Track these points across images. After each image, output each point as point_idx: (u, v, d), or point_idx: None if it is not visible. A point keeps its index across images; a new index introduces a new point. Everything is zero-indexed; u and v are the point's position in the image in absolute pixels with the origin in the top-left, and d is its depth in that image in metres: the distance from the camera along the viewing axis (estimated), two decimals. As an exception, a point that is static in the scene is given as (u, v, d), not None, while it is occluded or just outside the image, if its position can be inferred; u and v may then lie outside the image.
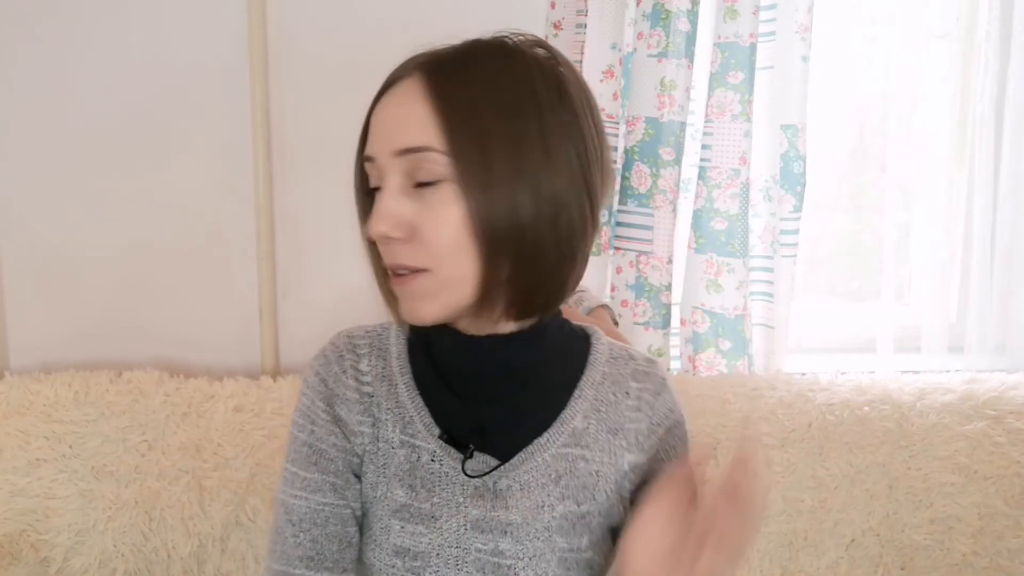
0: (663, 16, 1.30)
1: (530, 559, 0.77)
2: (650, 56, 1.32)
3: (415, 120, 0.72)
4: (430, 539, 0.77)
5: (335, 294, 1.43)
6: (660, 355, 1.39)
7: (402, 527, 0.78)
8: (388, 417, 0.80)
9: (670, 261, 1.38)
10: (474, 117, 0.71)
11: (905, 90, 1.52)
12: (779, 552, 1.28)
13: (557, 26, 1.35)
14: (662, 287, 1.38)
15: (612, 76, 1.34)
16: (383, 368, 0.82)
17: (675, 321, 1.44)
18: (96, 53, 1.34)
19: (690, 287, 1.40)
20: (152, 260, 1.40)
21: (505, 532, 0.77)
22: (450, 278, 0.73)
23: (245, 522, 1.24)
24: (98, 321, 1.40)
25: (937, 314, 1.56)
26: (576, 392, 0.80)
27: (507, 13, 1.38)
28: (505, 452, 0.78)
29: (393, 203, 0.73)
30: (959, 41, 1.52)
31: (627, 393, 0.82)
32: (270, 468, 1.26)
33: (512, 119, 0.71)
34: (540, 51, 0.78)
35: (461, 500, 0.78)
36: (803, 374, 1.39)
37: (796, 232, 1.40)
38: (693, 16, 1.31)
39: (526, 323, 0.78)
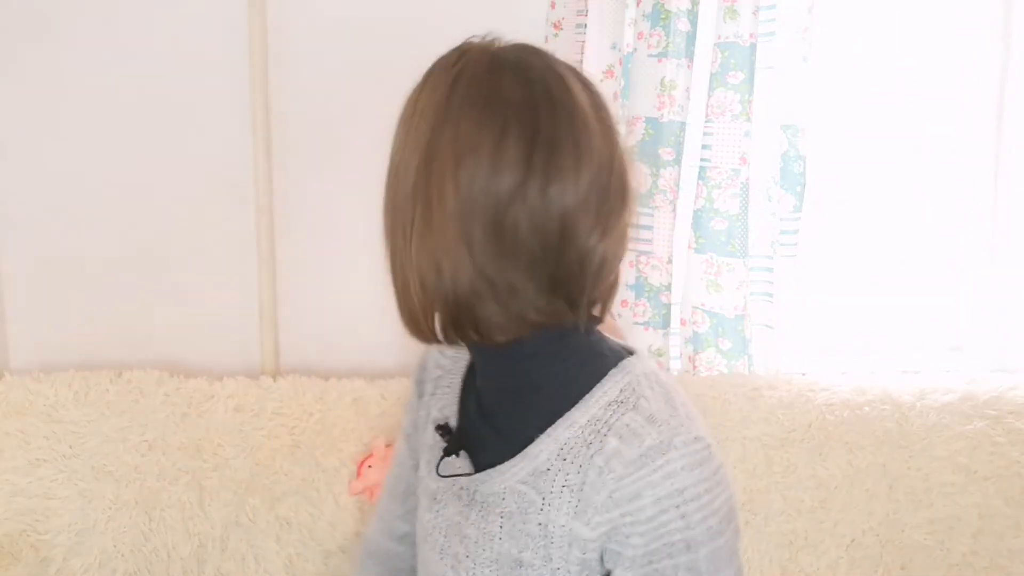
0: (663, 16, 1.30)
1: None
2: (650, 56, 1.32)
3: None
4: (431, 519, 0.81)
5: (335, 294, 1.43)
6: (660, 355, 1.39)
7: (421, 496, 0.85)
8: (438, 396, 0.86)
9: (670, 261, 1.38)
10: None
11: (905, 90, 1.52)
12: (779, 552, 1.28)
13: (557, 26, 1.35)
14: (662, 287, 1.38)
15: (612, 76, 1.34)
16: (461, 358, 0.86)
17: (675, 321, 1.43)
18: (96, 53, 1.34)
19: (690, 287, 1.40)
20: (152, 260, 1.40)
21: (462, 542, 0.77)
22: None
23: (245, 522, 1.24)
24: (98, 321, 1.40)
25: (937, 314, 1.56)
26: (550, 430, 0.73)
27: (507, 13, 1.38)
28: (478, 464, 0.77)
29: None
30: (959, 41, 1.52)
31: (601, 449, 0.69)
32: (270, 468, 1.26)
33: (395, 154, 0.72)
34: (455, 71, 0.70)
35: (451, 495, 0.80)
36: (803, 374, 1.39)
37: (796, 232, 1.40)
38: (693, 16, 1.31)
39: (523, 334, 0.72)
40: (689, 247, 1.39)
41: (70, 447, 1.24)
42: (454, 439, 0.80)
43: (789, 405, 1.31)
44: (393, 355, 1.42)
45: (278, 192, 1.39)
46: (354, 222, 1.35)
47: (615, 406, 0.71)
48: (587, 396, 0.72)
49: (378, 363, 1.39)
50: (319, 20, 1.37)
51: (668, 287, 1.39)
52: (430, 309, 0.70)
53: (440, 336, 0.72)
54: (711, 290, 1.38)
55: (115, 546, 1.22)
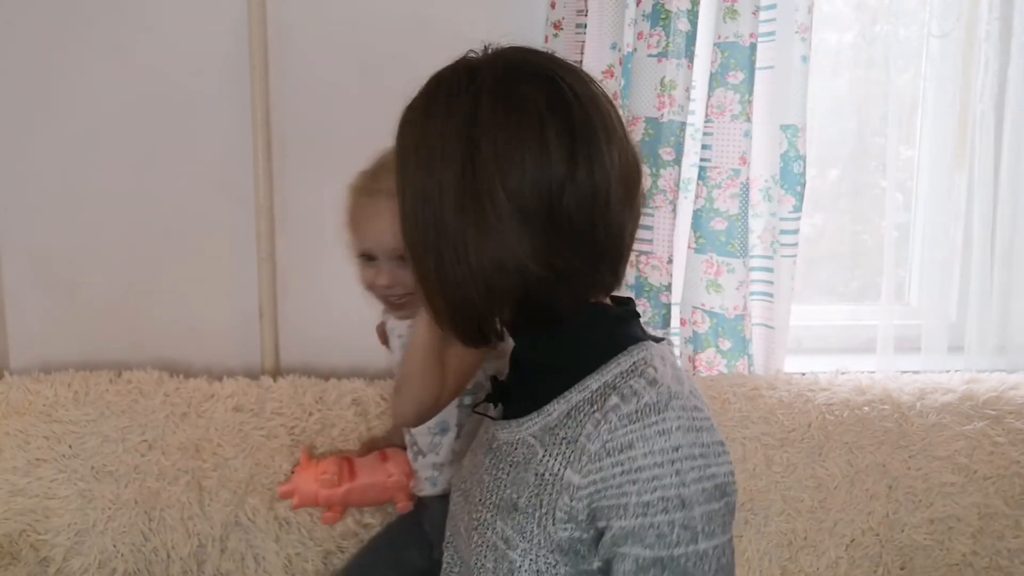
0: (663, 16, 1.30)
1: (479, 524, 0.81)
2: (650, 56, 1.32)
3: None
4: (467, 464, 0.91)
5: (335, 294, 1.43)
6: (660, 355, 1.39)
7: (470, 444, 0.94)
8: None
9: (670, 261, 1.38)
10: (400, 162, 0.79)
11: (905, 90, 1.52)
12: (779, 552, 1.28)
13: (557, 26, 1.35)
14: (662, 287, 1.38)
15: (612, 76, 1.34)
16: None
17: (675, 321, 1.43)
18: (96, 53, 1.34)
19: (690, 287, 1.40)
20: (152, 260, 1.40)
21: (479, 485, 0.84)
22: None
23: (245, 522, 1.24)
24: (98, 321, 1.40)
25: (937, 314, 1.55)
26: (566, 393, 0.79)
27: (507, 13, 1.38)
28: (505, 414, 0.86)
29: None
30: (959, 41, 1.52)
31: (603, 404, 0.75)
32: (270, 468, 1.26)
33: (409, 165, 0.77)
34: (470, 78, 0.75)
35: (483, 441, 0.89)
36: (803, 374, 1.39)
37: (796, 232, 1.40)
38: (693, 16, 1.31)
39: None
40: (689, 247, 1.39)
41: (70, 447, 1.24)
42: (500, 390, 0.88)
43: (789, 405, 1.31)
44: (393, 355, 1.42)
45: (278, 192, 1.39)
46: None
47: (626, 375, 0.76)
48: (603, 367, 0.78)
49: (378, 363, 1.39)
50: (319, 20, 1.37)
51: (668, 287, 1.39)
52: (497, 311, 0.79)
53: (505, 334, 0.81)
54: (711, 290, 1.38)
55: (115, 546, 1.22)
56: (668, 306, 1.39)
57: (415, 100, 0.79)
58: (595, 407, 0.75)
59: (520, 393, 0.85)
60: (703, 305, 1.39)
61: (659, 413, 0.71)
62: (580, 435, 0.74)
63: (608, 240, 0.77)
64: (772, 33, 1.36)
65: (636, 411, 0.72)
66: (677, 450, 0.70)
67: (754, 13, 1.30)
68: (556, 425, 0.78)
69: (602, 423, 0.73)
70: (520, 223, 0.72)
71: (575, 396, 0.78)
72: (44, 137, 1.35)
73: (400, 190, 0.78)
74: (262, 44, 1.33)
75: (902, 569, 1.29)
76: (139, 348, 1.40)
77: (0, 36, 1.32)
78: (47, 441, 1.23)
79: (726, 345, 1.39)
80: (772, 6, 1.35)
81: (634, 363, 0.77)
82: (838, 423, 1.30)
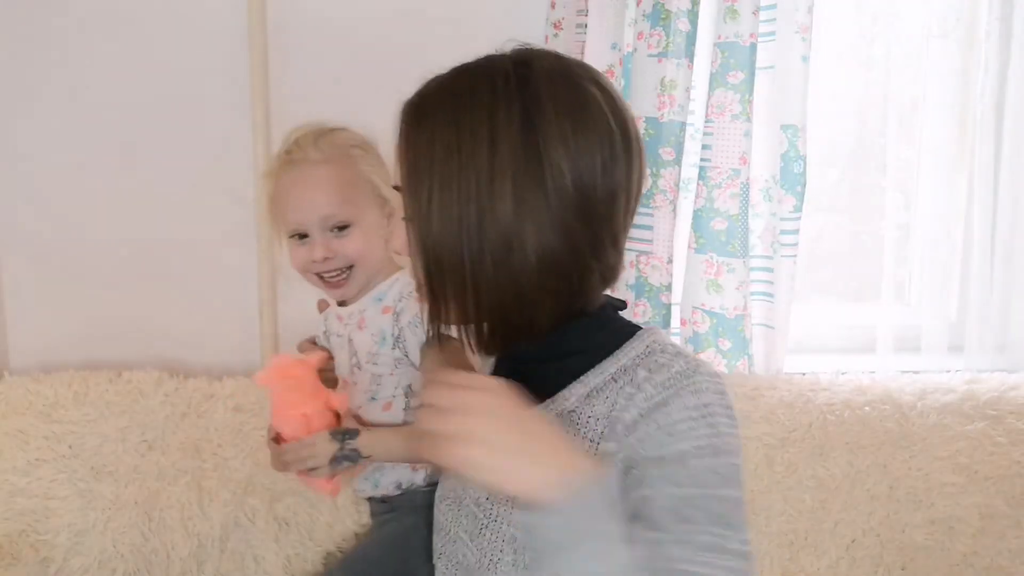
0: (663, 16, 1.30)
1: (491, 522, 0.81)
2: (650, 56, 1.32)
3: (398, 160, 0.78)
4: (453, 478, 0.89)
5: (335, 294, 1.43)
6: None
7: None
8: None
9: (670, 261, 1.38)
10: (424, 160, 0.74)
11: (905, 90, 1.52)
12: (779, 552, 1.28)
13: (557, 26, 1.35)
14: (662, 287, 1.38)
15: (612, 76, 1.33)
16: None
17: (675, 321, 1.43)
18: (96, 53, 1.34)
19: (690, 287, 1.40)
20: (152, 260, 1.40)
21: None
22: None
23: (244, 522, 1.24)
24: (98, 321, 1.40)
25: (937, 314, 1.55)
26: (581, 378, 0.80)
27: (507, 13, 1.38)
28: None
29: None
30: (959, 41, 1.52)
31: (631, 379, 0.77)
32: (269, 468, 1.25)
33: (451, 161, 0.73)
34: (522, 71, 0.74)
35: None
36: (803, 374, 1.39)
37: (796, 232, 1.40)
38: (693, 16, 1.31)
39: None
40: (689, 247, 1.39)
41: (70, 447, 1.23)
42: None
43: (789, 405, 1.31)
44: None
45: (278, 192, 1.39)
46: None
47: (642, 357, 0.79)
48: (617, 351, 0.80)
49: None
50: (319, 20, 1.37)
51: (668, 287, 1.39)
52: (542, 307, 0.77)
53: (547, 327, 0.79)
54: (711, 290, 1.38)
55: (115, 546, 1.22)
56: (668, 306, 1.39)
57: (439, 97, 0.75)
58: (622, 384, 0.77)
59: (521, 387, 0.85)
60: (703, 305, 1.39)
61: (690, 377, 0.75)
62: (612, 410, 0.76)
63: (623, 224, 0.79)
64: (772, 33, 1.36)
65: (669, 378, 0.75)
66: (708, 406, 0.73)
67: (754, 13, 1.30)
68: (575, 409, 0.79)
69: (636, 394, 0.75)
70: (577, 216, 0.73)
71: (593, 379, 0.79)
72: (44, 137, 1.35)
73: (424, 193, 0.74)
74: (262, 44, 1.34)
75: (903, 569, 1.29)
76: (139, 348, 1.40)
77: (1, 39, 1.32)
78: (47, 441, 1.23)
79: (726, 345, 1.39)
80: (772, 6, 1.35)
81: (647, 346, 0.80)
82: (839, 423, 1.30)
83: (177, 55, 1.35)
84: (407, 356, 1.07)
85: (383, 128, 1.27)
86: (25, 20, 1.32)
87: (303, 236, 1.05)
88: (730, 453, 0.74)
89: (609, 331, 0.82)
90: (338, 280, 1.07)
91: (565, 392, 0.80)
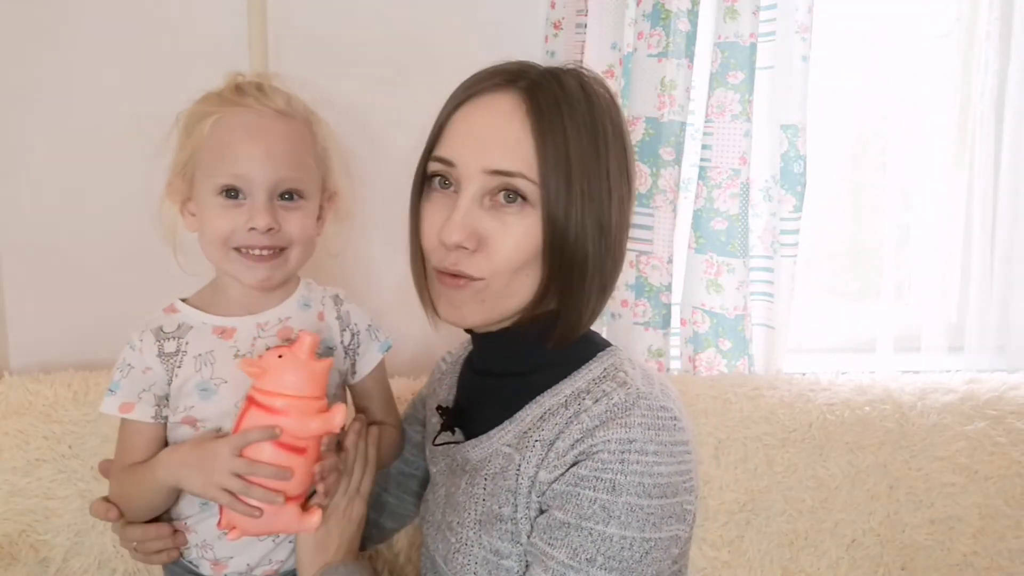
0: (663, 16, 1.30)
1: (463, 545, 0.82)
2: (650, 56, 1.32)
3: (513, 142, 0.76)
4: (431, 499, 0.91)
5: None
6: (660, 355, 1.39)
7: (428, 482, 0.96)
8: (438, 392, 0.99)
9: (670, 261, 1.38)
10: (564, 148, 0.75)
11: (905, 90, 1.52)
12: (779, 552, 1.28)
13: (557, 26, 1.35)
14: (662, 287, 1.38)
15: (612, 76, 1.33)
16: (461, 355, 0.99)
17: (675, 321, 1.43)
18: (96, 53, 1.34)
19: (690, 287, 1.40)
20: (152, 260, 1.40)
21: (455, 509, 0.84)
22: (503, 293, 0.78)
23: (245, 522, 1.24)
24: (98, 321, 1.40)
25: (937, 314, 1.56)
26: (539, 398, 0.81)
27: (507, 13, 1.38)
28: (471, 435, 0.86)
29: (471, 214, 0.77)
30: (959, 41, 1.52)
31: (577, 408, 0.77)
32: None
33: (590, 153, 0.76)
34: (603, 91, 0.81)
35: (446, 471, 0.89)
36: (803, 374, 1.39)
37: (796, 232, 1.40)
38: (693, 16, 1.31)
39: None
40: (689, 247, 1.39)
41: (69, 447, 1.23)
42: (450, 414, 0.90)
43: (790, 405, 1.31)
44: (392, 355, 1.42)
45: (278, 192, 1.39)
46: (354, 222, 1.34)
47: (597, 380, 0.79)
48: (575, 372, 0.81)
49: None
50: (319, 20, 1.37)
51: (668, 287, 1.39)
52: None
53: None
54: (711, 290, 1.38)
55: (114, 546, 1.22)
56: (668, 306, 1.39)
57: (570, 103, 0.77)
58: (570, 411, 0.78)
59: (483, 410, 0.86)
60: (703, 305, 1.39)
61: (626, 411, 0.74)
62: (556, 438, 0.77)
63: (571, 292, 0.83)
64: (772, 33, 1.36)
65: (606, 410, 0.75)
66: (631, 443, 0.72)
67: (754, 13, 1.30)
68: (529, 429, 0.80)
69: (573, 422, 0.76)
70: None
71: (548, 400, 0.80)
72: (44, 137, 1.35)
73: (564, 196, 0.75)
74: (262, 44, 1.33)
75: (903, 569, 1.29)
76: (139, 348, 1.40)
77: (1, 37, 1.32)
78: (47, 441, 1.23)
79: (726, 345, 1.39)
80: (772, 6, 1.35)
81: (604, 369, 0.80)
82: (839, 423, 1.30)
83: (177, 55, 1.35)
84: (353, 371, 0.92)
85: (384, 127, 1.27)
86: (25, 20, 1.32)
87: (234, 195, 0.83)
88: (636, 494, 0.71)
89: (575, 346, 0.83)
90: (267, 256, 0.83)
91: (522, 412, 0.82)
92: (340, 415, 0.76)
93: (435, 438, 0.90)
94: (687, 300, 1.41)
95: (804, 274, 1.58)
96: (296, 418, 0.75)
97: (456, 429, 0.89)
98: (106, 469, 0.92)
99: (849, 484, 1.29)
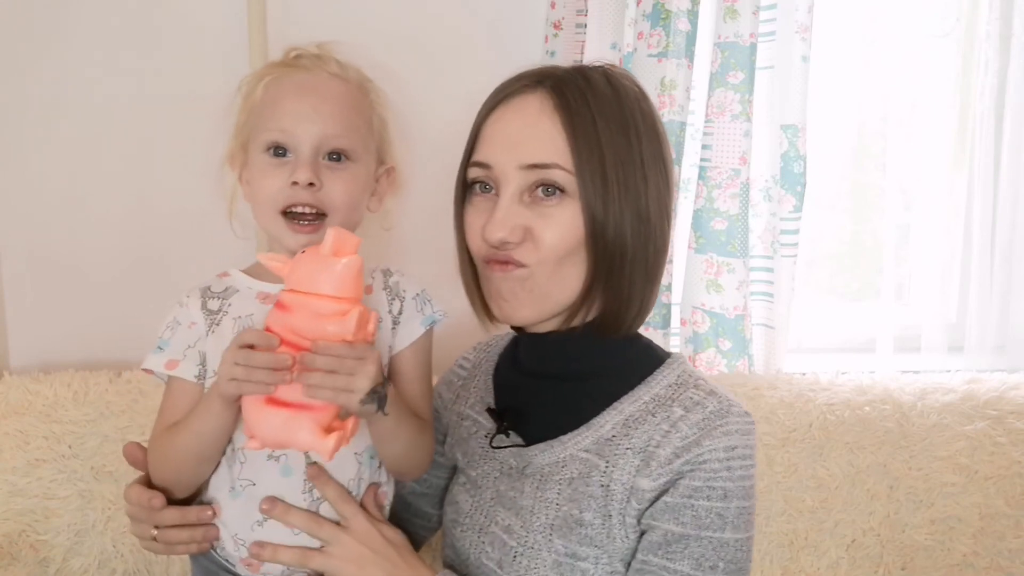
0: (663, 16, 1.30)
1: (527, 549, 0.82)
2: (650, 56, 1.32)
3: (545, 137, 0.78)
4: (470, 502, 0.89)
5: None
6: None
7: (457, 486, 0.93)
8: (466, 395, 0.96)
9: (670, 261, 1.38)
10: (595, 138, 0.77)
11: (905, 90, 1.52)
12: (780, 552, 1.28)
13: (557, 26, 1.35)
14: (662, 287, 1.37)
15: (612, 76, 1.34)
16: (484, 359, 0.98)
17: (675, 321, 1.43)
18: (96, 53, 1.34)
19: (690, 287, 1.40)
20: (152, 260, 1.40)
21: (518, 513, 0.84)
22: (550, 282, 0.80)
23: (245, 522, 1.24)
24: (98, 321, 1.40)
25: (937, 314, 1.56)
26: (616, 404, 0.82)
27: (507, 13, 1.38)
28: (532, 438, 0.85)
29: (512, 211, 0.79)
30: (959, 41, 1.52)
31: (668, 416, 0.80)
32: (270, 468, 1.26)
33: (622, 143, 0.78)
34: (630, 84, 0.83)
35: (496, 474, 0.88)
36: (803, 374, 1.39)
37: (796, 232, 1.40)
38: (693, 16, 1.31)
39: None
40: (689, 247, 1.39)
41: (69, 447, 1.23)
42: (507, 417, 0.87)
43: (790, 405, 1.31)
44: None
45: (278, 192, 1.39)
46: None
47: (675, 387, 0.82)
48: (649, 378, 0.83)
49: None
50: (319, 20, 1.37)
51: (668, 287, 1.39)
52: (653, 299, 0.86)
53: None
54: (711, 290, 1.38)
55: (114, 546, 1.22)
56: (668, 306, 1.39)
57: (597, 96, 0.79)
58: (658, 418, 0.80)
59: (542, 413, 0.86)
60: (703, 305, 1.39)
61: (723, 418, 0.78)
62: (647, 445, 0.79)
63: (617, 280, 0.85)
64: (772, 33, 1.36)
65: (704, 419, 0.78)
66: (733, 449, 0.77)
67: (754, 13, 1.30)
68: (613, 436, 0.81)
69: (672, 432, 0.78)
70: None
71: (627, 407, 0.82)
72: (44, 137, 1.35)
73: (600, 186, 0.78)
74: (262, 44, 1.33)
75: (903, 569, 1.29)
76: (139, 348, 1.39)
77: (0, 37, 1.32)
78: (47, 441, 1.23)
79: (726, 345, 1.39)
80: (772, 6, 1.35)
81: (678, 376, 0.83)
82: (839, 423, 1.30)
83: (177, 55, 1.35)
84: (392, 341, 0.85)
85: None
86: (25, 20, 1.32)
87: (281, 153, 0.82)
88: (742, 497, 0.77)
89: (636, 350, 0.85)
90: (311, 217, 0.81)
91: (600, 419, 0.82)
92: (355, 320, 0.68)
93: (491, 440, 0.87)
94: (687, 300, 1.41)
95: (804, 274, 1.58)
96: (302, 316, 0.69)
97: (510, 432, 0.87)
98: (132, 452, 0.87)
99: (849, 484, 1.29)
